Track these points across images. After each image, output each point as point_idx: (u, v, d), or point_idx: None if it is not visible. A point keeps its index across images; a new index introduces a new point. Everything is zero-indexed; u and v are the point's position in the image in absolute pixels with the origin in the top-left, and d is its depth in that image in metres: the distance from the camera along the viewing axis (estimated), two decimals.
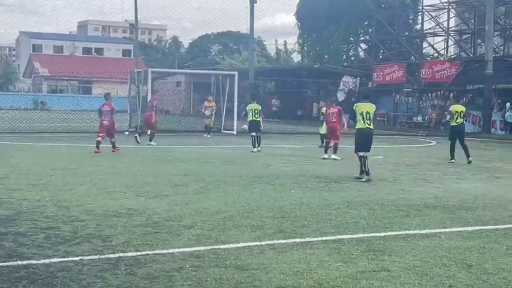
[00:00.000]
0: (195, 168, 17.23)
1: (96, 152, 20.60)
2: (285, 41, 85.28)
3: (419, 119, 47.47)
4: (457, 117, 20.25)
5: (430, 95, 49.14)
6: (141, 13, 53.44)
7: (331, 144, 20.91)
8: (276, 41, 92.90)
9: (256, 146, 23.19)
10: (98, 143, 21.03)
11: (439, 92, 48.07)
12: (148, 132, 25.35)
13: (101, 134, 21.34)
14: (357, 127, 15.60)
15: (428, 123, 45.98)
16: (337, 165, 18.88)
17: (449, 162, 20.09)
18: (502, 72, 40.13)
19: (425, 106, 49.02)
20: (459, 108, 20.64)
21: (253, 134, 23.38)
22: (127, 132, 31.56)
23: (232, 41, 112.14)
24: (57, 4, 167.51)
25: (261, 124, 24.01)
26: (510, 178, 16.72)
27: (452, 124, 20.60)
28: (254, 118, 23.55)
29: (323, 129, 23.29)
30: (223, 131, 34.08)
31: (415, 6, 58.34)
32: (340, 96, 53.18)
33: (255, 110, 23.58)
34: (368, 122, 15.35)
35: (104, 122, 21.49)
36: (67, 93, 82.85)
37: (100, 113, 21.71)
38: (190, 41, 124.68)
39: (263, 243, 8.58)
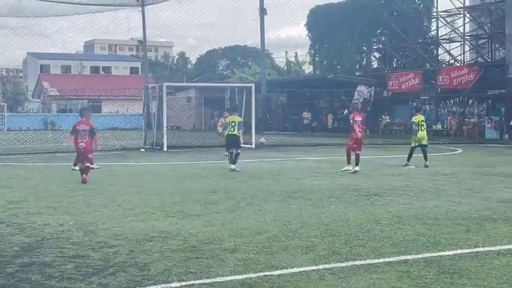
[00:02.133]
0: (221, 184, 16.27)
1: (82, 181, 16.45)
2: (296, 53, 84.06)
3: (439, 126, 46.40)
4: None
5: (448, 102, 48.13)
6: (146, 31, 52.66)
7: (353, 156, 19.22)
8: (286, 52, 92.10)
9: (233, 164, 20.16)
10: (87, 168, 16.87)
11: (458, 99, 47.10)
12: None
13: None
14: None
15: (449, 130, 44.85)
16: (371, 177, 17.85)
17: None
18: None
19: (443, 113, 47.99)
20: None
21: (231, 151, 20.36)
22: (143, 149, 30.82)
23: (240, 55, 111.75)
24: (62, 25, 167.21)
25: (241, 139, 20.86)
26: None
27: None
28: (230, 132, 20.42)
29: (414, 141, 21.26)
30: (242, 145, 33.05)
31: (429, 12, 57.29)
32: None
33: (232, 122, 20.39)
34: None
35: (80, 143, 16.93)
36: (77, 112, 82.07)
37: (74, 132, 17.15)
38: (198, 57, 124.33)
39: (320, 267, 7.61)
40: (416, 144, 21.25)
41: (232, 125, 20.29)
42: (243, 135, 21.29)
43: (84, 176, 16.65)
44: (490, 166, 21.28)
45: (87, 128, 17.14)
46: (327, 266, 7.67)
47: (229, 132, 20.48)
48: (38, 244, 9.01)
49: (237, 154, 20.35)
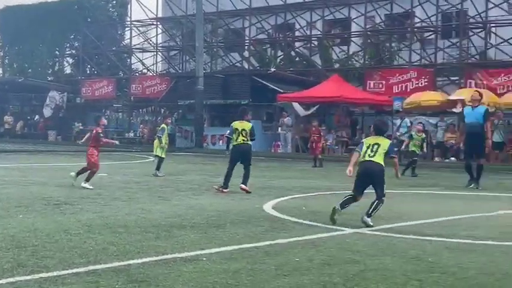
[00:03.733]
0: None
1: None
2: None
3: (132, 134, 47.03)
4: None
5: (141, 110, 49.02)
6: None
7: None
8: None
9: None
10: None
11: (150, 108, 48.16)
12: None
13: None
14: None
15: (141, 138, 45.64)
16: (64, 186, 17.33)
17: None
18: (211, 88, 41.08)
19: (136, 122, 48.74)
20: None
21: None
22: None
23: None
24: None
25: None
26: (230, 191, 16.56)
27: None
28: None
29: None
30: None
31: (122, 21, 57.80)
32: (47, 112, 51.07)
33: None
34: None
35: None
36: None
37: None
38: None
39: (3, 281, 7.17)
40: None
41: None
42: None
43: None
44: (181, 174, 22.02)
45: None
46: (11, 279, 7.25)
47: None
48: None
49: None
